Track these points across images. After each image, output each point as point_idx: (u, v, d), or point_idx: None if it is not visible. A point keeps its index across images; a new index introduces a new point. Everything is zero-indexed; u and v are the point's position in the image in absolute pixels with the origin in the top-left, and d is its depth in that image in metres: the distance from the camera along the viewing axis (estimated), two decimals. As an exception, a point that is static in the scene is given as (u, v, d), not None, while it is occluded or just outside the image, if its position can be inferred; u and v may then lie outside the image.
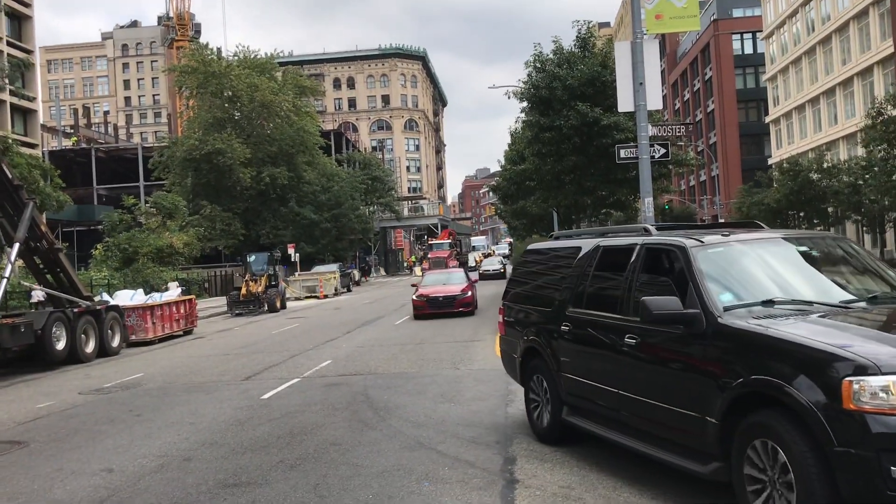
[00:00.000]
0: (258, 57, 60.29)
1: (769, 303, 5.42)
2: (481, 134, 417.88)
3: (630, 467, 6.59)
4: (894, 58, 44.59)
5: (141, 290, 25.88)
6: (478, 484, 6.55)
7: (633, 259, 6.42)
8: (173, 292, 26.48)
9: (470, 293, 24.55)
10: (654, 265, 6.35)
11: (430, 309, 24.05)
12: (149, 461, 8.11)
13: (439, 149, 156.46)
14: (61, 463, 8.28)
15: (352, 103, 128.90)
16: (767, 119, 68.86)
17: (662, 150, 14.65)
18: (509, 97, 22.80)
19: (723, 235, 6.23)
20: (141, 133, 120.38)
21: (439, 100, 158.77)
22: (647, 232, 6.75)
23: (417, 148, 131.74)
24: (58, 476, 7.75)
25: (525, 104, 22.50)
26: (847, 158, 46.33)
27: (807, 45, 57.42)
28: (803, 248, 6.42)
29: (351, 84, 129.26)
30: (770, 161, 65.05)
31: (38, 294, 20.61)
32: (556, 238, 8.93)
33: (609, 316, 6.50)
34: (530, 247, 9.37)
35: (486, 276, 51.34)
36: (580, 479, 6.46)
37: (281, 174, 55.56)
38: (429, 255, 60.52)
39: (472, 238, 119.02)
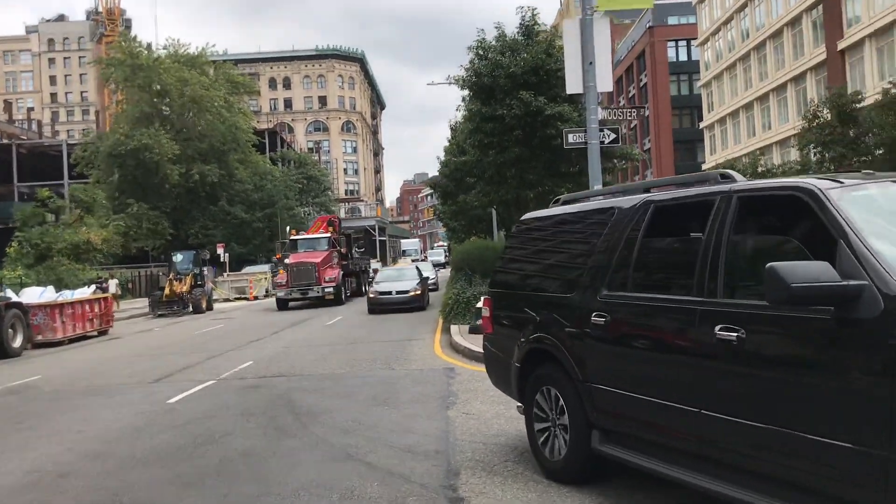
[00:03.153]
0: (188, 52, 58.11)
1: None
2: (420, 139, 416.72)
3: (596, 481, 5.52)
4: (826, 64, 45.19)
5: (51, 288, 23.90)
6: None
7: (714, 216, 4.43)
8: (87, 290, 24.62)
9: None
10: (756, 223, 4.59)
11: None
12: (15, 478, 6.70)
13: (377, 152, 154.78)
14: None
15: (288, 104, 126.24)
16: (701, 125, 69.58)
17: (613, 136, 13.75)
18: (450, 83, 21.79)
19: (864, 175, 4.35)
20: (68, 130, 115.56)
21: (377, 102, 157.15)
22: (728, 178, 4.73)
23: (355, 150, 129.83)
24: None
25: (466, 92, 21.56)
26: (781, 163, 46.77)
27: (741, 52, 58.03)
28: None
29: (287, 84, 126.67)
30: (703, 167, 65.64)
31: None
32: (564, 203, 6.54)
33: (683, 300, 4.48)
34: (527, 216, 7.03)
35: (384, 307, 24.98)
36: (538, 496, 5.34)
37: (211, 171, 53.56)
38: (286, 261, 32.92)
39: (404, 241, 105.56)
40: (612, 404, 5.04)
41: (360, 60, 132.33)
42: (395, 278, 27.52)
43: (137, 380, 12.69)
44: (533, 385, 5.96)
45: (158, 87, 54.23)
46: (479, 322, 15.51)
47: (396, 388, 10.28)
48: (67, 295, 22.85)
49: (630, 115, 15.60)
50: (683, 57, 78.63)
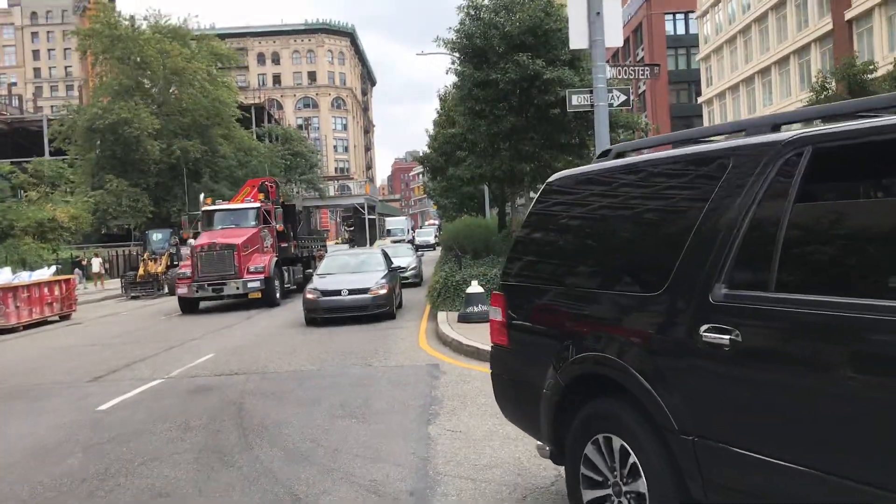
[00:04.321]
0: (170, 23, 55.90)
1: None
2: (412, 117, 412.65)
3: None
4: (833, 35, 43.43)
5: (7, 269, 22.17)
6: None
7: None
8: (46, 272, 22.90)
9: None
10: None
11: None
12: None
13: (368, 129, 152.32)
14: None
15: (276, 79, 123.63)
16: (700, 100, 67.88)
17: (623, 97, 12.08)
18: (438, 46, 19.97)
19: None
20: (51, 106, 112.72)
21: (368, 79, 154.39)
22: None
23: (345, 127, 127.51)
24: None
25: (456, 55, 19.74)
26: (784, 138, 45.13)
27: (742, 24, 56.23)
28: None
29: (276, 59, 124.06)
30: (703, 143, 64.02)
31: None
32: (617, 155, 4.32)
33: None
34: (560, 175, 4.70)
35: (329, 315, 16.14)
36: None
37: (194, 147, 51.59)
38: (190, 240, 24.64)
39: (389, 219, 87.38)
40: (744, 476, 2.99)
41: (350, 35, 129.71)
42: (349, 269, 18.05)
43: (75, 377, 11.01)
44: (581, 429, 3.90)
45: (138, 59, 52.16)
46: (470, 310, 13.92)
47: (370, 393, 8.64)
48: (24, 277, 21.16)
49: (642, 74, 13.84)
50: (681, 30, 76.80)
